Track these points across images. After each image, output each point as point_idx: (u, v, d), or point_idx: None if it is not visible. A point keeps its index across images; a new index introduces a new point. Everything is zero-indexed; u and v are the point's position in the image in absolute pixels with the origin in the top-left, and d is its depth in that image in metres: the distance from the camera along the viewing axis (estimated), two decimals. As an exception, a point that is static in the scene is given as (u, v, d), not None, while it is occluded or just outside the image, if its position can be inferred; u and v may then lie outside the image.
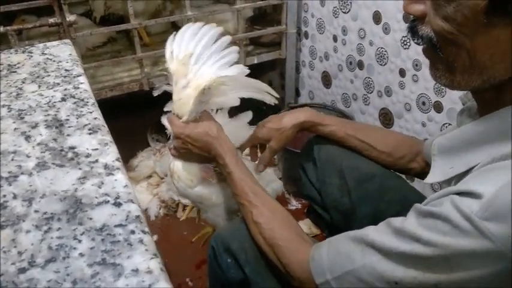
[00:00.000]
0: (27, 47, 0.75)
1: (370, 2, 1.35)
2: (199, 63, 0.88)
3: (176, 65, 0.85)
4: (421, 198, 0.92)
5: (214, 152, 0.82)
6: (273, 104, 0.90)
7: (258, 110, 0.98)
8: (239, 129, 0.94)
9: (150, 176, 1.66)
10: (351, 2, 1.43)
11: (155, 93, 0.88)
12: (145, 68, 1.53)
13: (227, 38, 0.91)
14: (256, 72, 1.93)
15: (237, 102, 0.84)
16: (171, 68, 0.85)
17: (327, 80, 1.66)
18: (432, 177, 0.61)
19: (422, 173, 0.89)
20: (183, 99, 0.85)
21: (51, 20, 1.36)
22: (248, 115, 0.96)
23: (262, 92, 0.86)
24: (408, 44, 1.26)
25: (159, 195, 1.59)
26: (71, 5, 1.36)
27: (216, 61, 0.89)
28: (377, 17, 1.35)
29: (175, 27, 1.81)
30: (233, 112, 0.95)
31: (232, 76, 0.86)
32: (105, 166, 0.48)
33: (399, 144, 0.91)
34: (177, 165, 0.89)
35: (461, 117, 0.64)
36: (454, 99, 1.16)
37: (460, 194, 0.48)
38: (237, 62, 1.65)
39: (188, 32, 0.89)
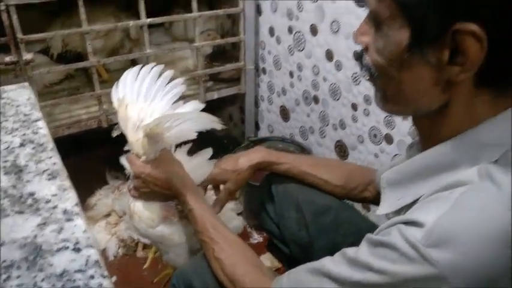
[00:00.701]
0: (-17, 91, 0.75)
1: (323, 41, 1.43)
2: (147, 102, 0.90)
3: (125, 108, 0.87)
4: (374, 228, 0.96)
5: (175, 189, 0.83)
6: (229, 137, 0.93)
7: (219, 144, 1.01)
8: (199, 167, 0.95)
9: (108, 215, 1.63)
10: (304, 41, 1.51)
11: (114, 134, 0.89)
12: (103, 105, 1.52)
13: (169, 73, 0.94)
14: (216, 106, 1.98)
15: (193, 136, 0.85)
16: (121, 112, 0.87)
17: (285, 113, 1.72)
18: (382, 209, 0.65)
19: (375, 202, 0.94)
20: (140, 139, 0.86)
21: (7, 59, 1.35)
22: (208, 152, 0.98)
23: (211, 122, 0.87)
24: (359, 80, 1.34)
25: (117, 234, 1.56)
26: (28, 43, 1.35)
27: (164, 97, 0.92)
28: (329, 55, 1.43)
29: (135, 64, 1.83)
30: (195, 148, 0.97)
31: (169, 114, 0.87)
32: (65, 212, 0.49)
33: (351, 175, 0.95)
34: (138, 205, 0.89)
35: (410, 152, 0.69)
36: (403, 131, 1.24)
37: (406, 223, 0.52)
38: (197, 97, 1.68)
39: (130, 75, 0.92)
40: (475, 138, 0.53)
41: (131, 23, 1.48)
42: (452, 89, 0.52)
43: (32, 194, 0.51)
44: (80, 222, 0.48)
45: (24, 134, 0.62)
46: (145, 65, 0.95)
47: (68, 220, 0.48)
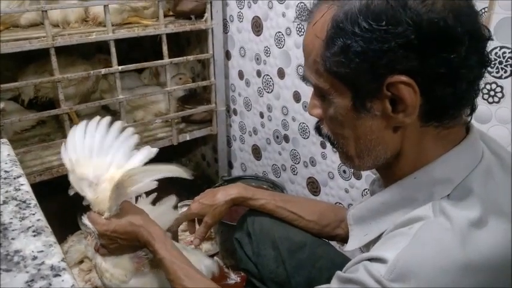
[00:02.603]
0: (-39, 147, 0.76)
1: (290, 83, 1.51)
2: (101, 158, 0.89)
3: (78, 168, 0.86)
4: (347, 261, 1.00)
5: (143, 240, 0.84)
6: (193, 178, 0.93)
7: (193, 184, 1.03)
8: (165, 214, 0.96)
9: (81, 261, 1.60)
10: (273, 84, 1.59)
11: (70, 193, 0.87)
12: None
13: (119, 124, 0.94)
14: (189, 147, 2.01)
15: (153, 185, 0.86)
16: (76, 173, 0.86)
17: (257, 152, 1.77)
18: (351, 245, 0.70)
19: (348, 239, 0.98)
20: (100, 196, 0.86)
21: (-22, 108, 1.35)
22: (172, 199, 0.98)
23: (176, 172, 0.88)
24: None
25: (91, 281, 1.52)
26: (-1, 92, 1.36)
27: (118, 150, 0.91)
28: (297, 97, 1.50)
29: (106, 108, 1.86)
30: (167, 190, 0.96)
31: (139, 167, 0.87)
32: (52, 268, 0.50)
33: (324, 212, 1.00)
34: (108, 263, 0.88)
35: (373, 187, 0.74)
36: (369, 167, 1.30)
37: (371, 259, 0.56)
38: (170, 139, 1.68)
39: (78, 133, 0.91)
40: (428, 175, 0.59)
41: (103, 70, 1.51)
42: (402, 133, 0.58)
43: (18, 251, 0.53)
44: (67, 277, 0.49)
45: (6, 191, 0.64)
46: (92, 119, 0.93)
47: (56, 276, 0.49)
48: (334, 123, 0.60)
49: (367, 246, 0.67)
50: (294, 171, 1.60)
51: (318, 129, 0.65)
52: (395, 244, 0.55)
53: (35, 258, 0.52)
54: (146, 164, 0.90)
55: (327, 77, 0.57)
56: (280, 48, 1.51)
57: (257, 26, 1.59)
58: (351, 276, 0.57)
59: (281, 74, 1.54)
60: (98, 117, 0.95)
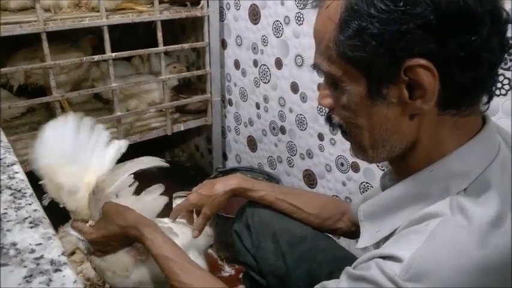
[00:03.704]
0: (-50, 134, 0.72)
1: (288, 74, 1.48)
2: (75, 162, 0.85)
3: (52, 174, 0.82)
4: (348, 256, 0.99)
5: (134, 238, 0.82)
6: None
7: (186, 175, 1.01)
8: (151, 203, 0.89)
9: (73, 253, 1.56)
10: (270, 74, 1.56)
11: (45, 203, 0.82)
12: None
13: (87, 121, 0.88)
14: (182, 137, 1.98)
15: (131, 180, 0.84)
16: (50, 180, 0.82)
17: (252, 144, 1.75)
18: (362, 242, 0.67)
19: (349, 233, 0.96)
20: (81, 204, 0.84)
21: (-35, 94, 1.30)
22: (158, 188, 0.90)
23: (150, 162, 0.86)
24: (324, 111, 1.39)
25: (83, 272, 1.49)
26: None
27: (92, 151, 0.87)
28: (294, 87, 1.48)
29: (98, 97, 1.81)
30: (160, 182, 0.93)
31: (112, 169, 0.85)
32: (52, 262, 0.48)
33: (325, 205, 0.98)
34: (106, 262, 0.86)
35: (384, 180, 0.71)
36: (368, 160, 1.29)
37: (384, 257, 0.54)
38: (164, 129, 1.66)
39: (50, 134, 0.85)
40: (444, 168, 0.56)
41: (96, 57, 1.47)
42: (419, 121, 0.56)
43: (14, 244, 0.50)
44: (68, 272, 0.46)
45: (0, 180, 0.60)
46: (61, 116, 0.89)
47: (56, 271, 0.47)
48: (348, 111, 0.58)
49: (378, 244, 0.65)
50: (291, 163, 1.59)
51: (328, 119, 0.63)
52: (410, 242, 0.53)
53: (32, 251, 0.49)
54: (120, 159, 0.88)
55: (340, 63, 0.55)
56: (278, 37, 1.48)
57: (254, 15, 1.55)
58: (363, 273, 0.55)
59: (278, 64, 1.51)
60: (65, 116, 0.88)
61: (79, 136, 0.86)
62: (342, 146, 1.36)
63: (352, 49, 0.53)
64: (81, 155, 0.85)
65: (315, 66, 0.60)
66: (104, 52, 1.47)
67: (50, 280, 0.46)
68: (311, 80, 1.40)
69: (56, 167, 0.82)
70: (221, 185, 0.96)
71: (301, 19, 1.37)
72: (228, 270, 1.51)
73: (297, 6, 1.38)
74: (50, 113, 1.68)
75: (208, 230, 1.01)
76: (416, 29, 0.49)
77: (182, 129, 1.72)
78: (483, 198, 0.53)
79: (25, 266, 0.47)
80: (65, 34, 1.54)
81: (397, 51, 0.50)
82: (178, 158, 2.09)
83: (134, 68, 1.88)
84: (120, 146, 0.88)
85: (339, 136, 1.36)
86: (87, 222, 0.85)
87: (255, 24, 1.56)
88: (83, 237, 0.84)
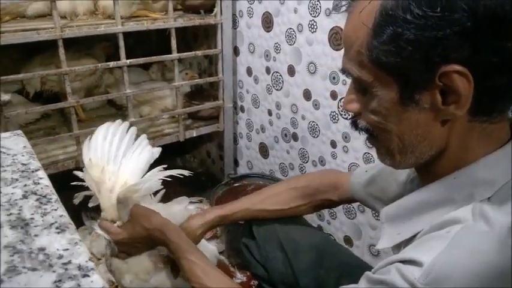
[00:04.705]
0: (-25, 139, 0.74)
1: (300, 81, 1.49)
2: (116, 164, 0.91)
3: (97, 172, 0.88)
4: (357, 261, 0.99)
5: (158, 241, 0.85)
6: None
7: (197, 181, 1.02)
8: (178, 213, 0.95)
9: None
10: (282, 81, 1.57)
11: (76, 202, 0.89)
12: (81, 145, 1.50)
13: (134, 130, 0.97)
14: (194, 143, 1.99)
15: (158, 186, 0.90)
16: (94, 176, 0.87)
17: (264, 150, 1.76)
18: (382, 243, 0.67)
19: (335, 204, 0.99)
20: (113, 204, 0.87)
21: (-17, 100, 1.32)
22: (184, 200, 0.97)
23: (177, 171, 0.91)
24: (337, 118, 1.39)
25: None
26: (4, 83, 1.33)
27: (131, 157, 0.94)
28: (307, 95, 1.48)
29: (111, 103, 1.83)
30: (173, 188, 0.97)
31: (140, 181, 0.89)
32: (79, 267, 0.48)
33: (305, 191, 0.98)
34: (128, 264, 0.88)
35: (410, 186, 0.71)
36: (381, 168, 1.29)
37: (404, 261, 0.54)
38: (177, 135, 1.69)
39: (100, 135, 0.93)
40: (469, 175, 0.56)
41: (111, 63, 1.49)
42: (450, 128, 0.56)
43: (42, 249, 0.51)
44: (96, 278, 0.47)
45: (25, 185, 0.61)
46: (114, 121, 0.97)
47: (84, 276, 0.47)
48: (377, 116, 0.58)
49: (399, 247, 0.65)
50: (302, 170, 1.59)
51: (354, 124, 0.63)
52: (431, 247, 0.53)
53: (60, 256, 0.50)
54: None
55: (372, 68, 0.55)
56: (291, 45, 1.49)
57: (267, 22, 1.57)
58: (383, 277, 0.56)
59: (291, 71, 1.52)
60: (119, 121, 0.97)
61: (123, 141, 0.92)
62: (355, 154, 1.36)
63: (386, 54, 0.53)
64: (122, 158, 0.91)
65: (344, 71, 0.60)
66: (117, 59, 1.48)
67: (79, 285, 0.46)
68: (324, 88, 1.41)
69: (101, 165, 0.87)
70: (198, 219, 0.95)
71: (315, 27, 1.38)
72: (239, 277, 1.51)
73: (310, 14, 1.39)
74: (64, 118, 1.70)
75: (215, 250, 1.04)
76: (453, 35, 0.49)
77: (194, 135, 1.73)
78: (506, 208, 0.53)
79: (54, 271, 0.48)
80: (79, 41, 1.56)
81: (433, 57, 0.51)
82: (190, 164, 2.10)
83: (147, 74, 1.89)
84: (153, 152, 0.93)
85: (351, 144, 1.36)
86: (115, 222, 0.86)
87: (268, 31, 1.57)
88: (110, 237, 0.86)
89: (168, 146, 1.67)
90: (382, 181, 0.84)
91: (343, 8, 0.58)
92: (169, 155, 1.90)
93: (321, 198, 0.97)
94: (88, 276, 0.47)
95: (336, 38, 1.33)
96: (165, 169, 0.92)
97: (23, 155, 0.70)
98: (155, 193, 0.97)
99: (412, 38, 0.50)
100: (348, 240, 1.45)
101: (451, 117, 0.54)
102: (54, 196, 0.60)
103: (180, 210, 0.97)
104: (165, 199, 0.99)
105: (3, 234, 0.52)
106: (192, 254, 0.81)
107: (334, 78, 1.36)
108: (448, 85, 0.52)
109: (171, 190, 0.97)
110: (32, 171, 0.65)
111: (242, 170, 1.89)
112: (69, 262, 0.49)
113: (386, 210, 0.66)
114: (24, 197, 0.59)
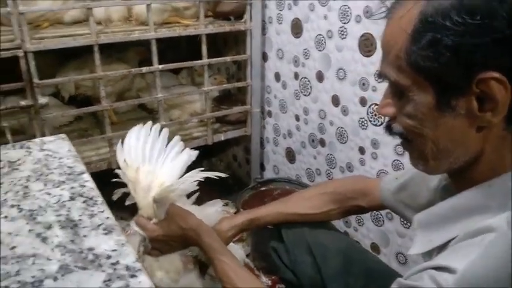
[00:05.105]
0: (23, 142, 0.77)
1: (329, 87, 1.50)
2: (152, 165, 0.95)
3: (132, 172, 0.91)
4: (385, 268, 0.99)
5: (192, 241, 0.87)
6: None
7: (224, 184, 1.04)
8: (211, 216, 0.98)
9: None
10: (311, 87, 1.58)
11: (114, 198, 0.92)
12: (114, 147, 1.55)
13: (166, 132, 1.00)
14: (220, 147, 2.01)
15: (195, 187, 0.93)
16: (129, 176, 0.91)
17: (290, 155, 1.77)
18: (414, 250, 0.67)
19: (365, 210, 0.99)
20: (150, 202, 0.90)
21: (23, 103, 1.38)
22: (218, 203, 1.02)
23: (211, 173, 0.94)
24: (366, 124, 1.39)
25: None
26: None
27: (166, 157, 0.97)
28: (335, 100, 1.49)
29: (142, 106, 1.87)
30: (201, 191, 1.00)
31: (177, 182, 0.93)
32: (127, 268, 0.51)
33: (335, 197, 0.99)
34: (159, 263, 0.92)
35: (442, 192, 0.70)
36: (411, 175, 1.28)
37: (437, 268, 0.54)
38: (205, 138, 1.72)
39: (133, 136, 0.97)
40: (505, 184, 0.56)
41: (144, 69, 1.53)
42: (485, 135, 0.56)
43: (91, 249, 0.53)
44: (144, 278, 0.49)
45: (72, 188, 0.64)
46: (146, 123, 1.01)
47: (132, 276, 0.49)
48: (413, 121, 0.58)
49: (430, 253, 0.65)
50: (330, 176, 1.59)
51: (388, 128, 0.64)
52: (465, 255, 0.53)
53: (109, 257, 0.52)
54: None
55: (410, 72, 0.56)
56: (320, 51, 1.50)
57: (297, 28, 1.58)
58: (415, 284, 0.56)
59: (320, 77, 1.53)
60: (150, 123, 1.00)
61: (157, 142, 0.96)
62: (384, 161, 1.35)
63: (424, 59, 0.53)
64: (157, 159, 0.94)
65: (381, 75, 0.61)
66: (149, 64, 1.52)
67: (128, 285, 0.49)
68: (353, 94, 1.41)
69: (136, 166, 0.91)
70: (228, 222, 0.98)
71: (345, 33, 1.39)
72: (265, 281, 1.52)
73: (341, 21, 1.39)
74: (96, 120, 1.75)
75: (243, 254, 1.06)
76: (492, 42, 0.50)
77: (222, 139, 1.75)
78: None
79: (103, 271, 0.50)
80: (112, 46, 1.60)
81: (471, 63, 0.51)
82: (216, 167, 2.13)
83: (177, 79, 1.93)
84: (190, 155, 0.96)
85: (380, 150, 1.36)
86: (151, 220, 0.89)
87: (297, 37, 1.59)
88: (145, 233, 0.88)
89: (195, 149, 1.70)
90: (412, 188, 0.84)
91: (383, 14, 0.59)
92: (196, 158, 1.93)
93: (350, 204, 0.97)
94: (136, 276, 0.50)
95: (366, 45, 1.33)
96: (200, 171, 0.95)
97: (68, 158, 0.73)
98: (190, 195, 1.00)
99: (451, 44, 0.51)
100: (374, 247, 1.45)
101: (486, 124, 0.55)
102: (100, 198, 0.62)
103: (213, 213, 1.00)
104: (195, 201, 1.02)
105: (54, 233, 0.55)
106: (225, 255, 0.84)
107: (363, 84, 1.37)
108: (485, 92, 0.52)
109: (198, 192, 1.00)
110: (78, 174, 0.68)
111: (268, 174, 1.90)
112: (117, 262, 0.51)
113: (419, 217, 0.67)
114: (72, 198, 0.62)
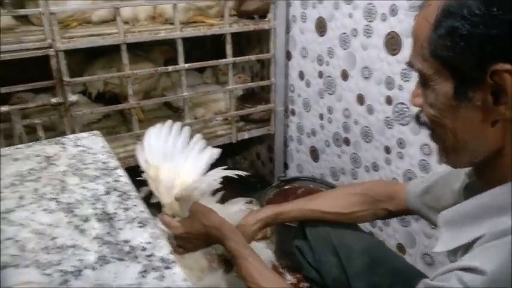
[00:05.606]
0: (58, 138, 0.80)
1: (354, 85, 1.49)
2: (174, 163, 0.96)
3: (153, 171, 0.92)
4: (411, 268, 0.98)
5: (215, 239, 0.87)
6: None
7: (247, 182, 1.05)
8: (234, 214, 0.99)
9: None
10: (335, 85, 1.57)
11: (141, 196, 0.93)
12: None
13: (188, 129, 1.01)
14: (244, 145, 2.03)
15: (218, 185, 0.94)
16: (151, 176, 0.92)
17: (314, 154, 1.76)
18: (439, 247, 0.67)
19: (391, 215, 0.98)
20: (173, 201, 0.91)
21: (53, 100, 1.42)
22: (241, 201, 1.03)
23: (233, 172, 0.95)
24: (392, 124, 1.38)
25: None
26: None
27: (188, 155, 0.98)
28: (360, 99, 1.48)
29: (167, 104, 1.90)
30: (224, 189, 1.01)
31: (198, 180, 0.94)
32: (162, 260, 0.52)
33: (360, 198, 0.98)
34: (185, 259, 0.93)
35: (467, 192, 0.70)
36: (437, 175, 1.27)
37: (465, 269, 0.54)
38: (229, 136, 1.74)
39: (153, 136, 0.98)
40: None
41: (170, 67, 1.55)
42: (502, 129, 0.55)
43: (127, 242, 0.55)
44: (178, 270, 0.51)
45: (107, 182, 0.66)
46: (165, 122, 1.02)
47: (167, 268, 0.51)
48: (434, 110, 0.59)
49: (455, 252, 0.64)
50: (354, 175, 1.58)
51: (417, 118, 0.64)
52: (492, 256, 0.53)
53: (144, 249, 0.53)
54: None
55: (433, 62, 0.56)
56: (345, 49, 1.49)
57: (321, 27, 1.58)
58: (442, 285, 0.55)
59: (344, 75, 1.52)
60: (170, 122, 1.02)
61: (178, 141, 0.97)
62: (410, 160, 1.34)
63: (442, 48, 0.54)
64: (178, 157, 0.96)
65: (409, 65, 0.62)
66: (175, 62, 1.54)
67: (163, 276, 0.50)
68: (379, 92, 1.40)
69: (157, 165, 0.92)
70: (253, 216, 0.98)
71: (370, 31, 1.38)
72: (289, 279, 1.52)
73: (366, 19, 1.38)
74: (123, 118, 1.78)
75: (270, 253, 1.06)
76: (506, 35, 0.50)
77: (246, 137, 1.76)
78: None
79: (139, 262, 0.52)
80: (138, 45, 1.63)
81: (484, 54, 0.52)
82: (240, 165, 2.14)
83: (201, 77, 1.95)
84: (213, 153, 0.96)
85: (407, 150, 1.35)
86: (175, 217, 0.91)
87: (321, 36, 1.58)
88: (169, 230, 0.89)
89: (219, 147, 1.72)
90: (437, 190, 0.84)
91: (419, 7, 0.60)
92: (220, 156, 1.94)
93: (378, 207, 0.97)
94: (170, 268, 0.51)
95: (392, 43, 1.32)
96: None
97: (102, 154, 0.75)
98: (214, 193, 1.01)
99: (465, 33, 0.51)
100: (400, 248, 1.43)
101: (501, 118, 0.54)
102: (134, 193, 0.64)
103: (237, 211, 1.01)
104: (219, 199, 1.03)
105: (92, 226, 0.57)
106: (248, 254, 0.84)
107: (389, 83, 1.35)
108: (499, 84, 0.52)
109: (221, 190, 1.01)
110: (112, 169, 0.70)
111: (292, 172, 1.90)
112: (152, 255, 0.53)
113: (444, 214, 0.66)
114: (107, 193, 0.64)
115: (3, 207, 0.60)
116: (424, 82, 0.60)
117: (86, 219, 0.58)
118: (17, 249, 0.53)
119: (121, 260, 0.52)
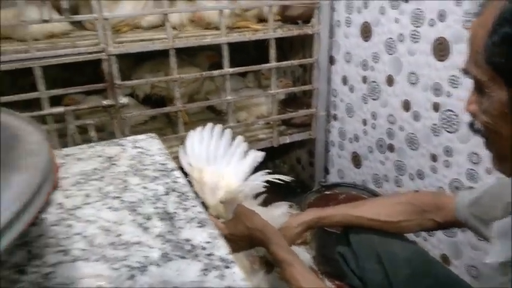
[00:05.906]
0: (116, 140, 0.84)
1: (399, 91, 1.47)
2: (217, 165, 0.97)
3: (197, 173, 0.94)
4: (455, 279, 0.95)
5: (258, 241, 0.89)
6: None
7: (287, 186, 1.06)
8: (277, 218, 1.00)
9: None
10: (380, 91, 1.56)
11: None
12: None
13: (229, 132, 1.02)
14: (284, 149, 2.04)
15: (261, 188, 0.95)
16: (195, 177, 0.94)
17: (356, 160, 1.75)
18: (491, 257, 0.66)
19: (438, 227, 0.96)
20: (217, 203, 0.93)
21: (105, 102, 1.48)
22: (284, 205, 1.04)
23: (278, 177, 0.96)
24: (439, 131, 1.36)
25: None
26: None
27: (231, 157, 1.00)
28: (406, 105, 1.46)
29: (211, 108, 1.94)
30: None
31: (244, 184, 0.95)
32: (221, 259, 0.54)
33: (407, 207, 0.97)
34: None
35: None
36: (487, 184, 1.23)
37: None
38: (271, 140, 1.75)
39: (196, 139, 1.00)
40: None
41: (215, 72, 1.59)
42: None
43: (188, 240, 0.57)
44: (237, 269, 0.52)
45: (166, 183, 0.69)
46: (206, 125, 1.04)
47: (227, 267, 0.53)
48: (488, 117, 0.59)
49: (506, 264, 0.63)
50: (398, 183, 1.56)
51: (471, 125, 0.64)
52: None
53: (204, 248, 0.55)
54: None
55: (487, 68, 0.56)
56: (390, 54, 1.48)
57: (366, 32, 1.57)
58: None
59: (390, 81, 1.51)
60: (210, 125, 1.04)
61: (220, 144, 0.99)
62: (458, 169, 1.31)
63: (497, 55, 0.54)
64: (221, 160, 0.98)
65: (465, 71, 0.62)
66: (219, 67, 1.58)
67: (223, 275, 0.52)
68: (425, 99, 1.38)
69: (201, 167, 0.94)
70: (297, 219, 0.99)
71: (417, 37, 1.36)
72: (328, 285, 1.52)
73: (413, 24, 1.37)
74: (169, 120, 1.84)
75: (308, 258, 1.07)
76: None
77: (288, 141, 1.77)
78: None
79: (199, 261, 0.54)
80: (182, 50, 1.68)
81: None
82: (280, 169, 2.15)
83: (243, 81, 1.98)
84: (257, 156, 0.97)
85: (454, 158, 1.32)
86: (219, 219, 0.93)
87: (366, 41, 1.58)
88: None
89: (260, 150, 1.74)
90: (486, 201, 0.82)
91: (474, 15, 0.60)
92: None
93: (425, 218, 0.95)
94: (229, 267, 0.53)
95: (440, 49, 1.30)
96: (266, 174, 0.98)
97: (160, 156, 0.78)
98: (256, 196, 1.03)
99: None
100: (445, 258, 1.40)
101: None
102: (191, 194, 0.67)
103: (280, 215, 1.02)
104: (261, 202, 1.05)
105: (154, 224, 0.60)
106: (292, 258, 0.85)
107: (437, 89, 1.33)
108: None
109: (263, 193, 1.02)
110: (170, 171, 0.73)
111: (332, 178, 1.90)
112: (212, 254, 0.55)
113: (498, 225, 0.65)
114: (166, 193, 0.67)
115: (70, 204, 0.64)
116: (480, 89, 0.60)
117: (148, 218, 0.61)
118: (86, 244, 0.56)
119: (183, 258, 0.54)
